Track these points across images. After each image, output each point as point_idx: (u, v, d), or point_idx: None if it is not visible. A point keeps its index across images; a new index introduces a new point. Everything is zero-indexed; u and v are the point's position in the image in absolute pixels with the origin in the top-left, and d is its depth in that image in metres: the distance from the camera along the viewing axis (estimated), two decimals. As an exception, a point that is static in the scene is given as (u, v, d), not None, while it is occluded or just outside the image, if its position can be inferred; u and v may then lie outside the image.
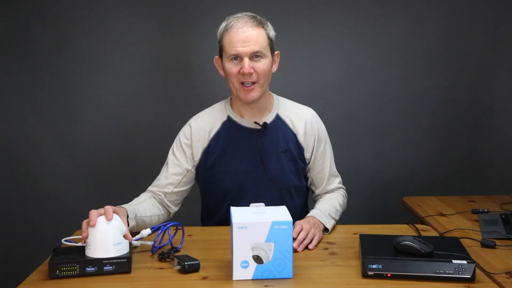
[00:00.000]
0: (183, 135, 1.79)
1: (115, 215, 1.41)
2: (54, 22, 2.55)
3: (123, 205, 1.60)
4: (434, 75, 2.67)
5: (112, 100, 2.63)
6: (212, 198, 1.83)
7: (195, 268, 1.35)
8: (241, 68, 1.63)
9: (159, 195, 1.76)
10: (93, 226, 1.35)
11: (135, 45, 2.59)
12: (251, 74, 1.64)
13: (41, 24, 2.55)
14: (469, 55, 2.65)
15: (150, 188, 1.79)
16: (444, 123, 2.71)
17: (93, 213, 1.39)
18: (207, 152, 1.77)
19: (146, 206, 1.68)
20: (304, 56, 2.60)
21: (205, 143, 1.77)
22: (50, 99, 2.61)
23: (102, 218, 1.37)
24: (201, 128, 1.77)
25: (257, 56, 1.64)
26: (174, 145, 1.81)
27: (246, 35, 1.62)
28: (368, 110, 2.69)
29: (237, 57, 1.64)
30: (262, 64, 1.65)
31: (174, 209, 1.79)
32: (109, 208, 1.41)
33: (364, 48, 2.64)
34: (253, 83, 1.66)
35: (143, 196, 1.75)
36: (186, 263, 1.34)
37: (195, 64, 2.62)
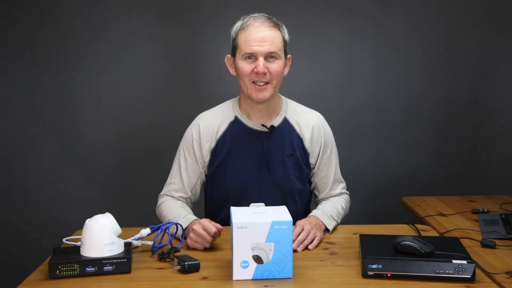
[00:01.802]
0: (191, 137, 1.76)
1: (108, 215, 1.41)
2: (54, 22, 2.55)
3: (183, 215, 1.63)
4: (434, 75, 2.67)
5: (112, 100, 2.62)
6: (215, 198, 1.82)
7: (195, 268, 1.35)
8: (255, 67, 1.62)
9: (181, 200, 1.76)
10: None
11: (136, 45, 2.59)
12: (264, 74, 1.63)
13: (41, 24, 2.54)
14: (469, 55, 2.65)
15: (168, 193, 1.77)
16: (444, 123, 2.71)
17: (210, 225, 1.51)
18: (214, 152, 1.75)
19: (188, 209, 1.72)
20: (304, 56, 2.59)
21: (212, 144, 1.75)
22: (50, 99, 2.60)
23: (96, 217, 1.38)
24: (208, 128, 1.76)
25: (272, 57, 1.63)
26: (184, 147, 1.78)
27: (262, 34, 1.61)
28: (368, 110, 2.69)
29: (252, 56, 1.63)
30: (276, 65, 1.64)
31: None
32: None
33: (364, 48, 2.64)
34: (266, 83, 1.65)
35: (179, 202, 1.73)
36: (186, 263, 1.34)
37: (197, 64, 2.62)
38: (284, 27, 1.70)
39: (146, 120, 2.64)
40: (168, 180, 1.79)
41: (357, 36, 2.63)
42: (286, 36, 1.70)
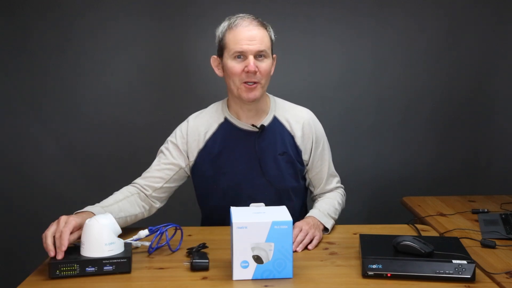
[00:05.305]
0: (179, 133, 1.77)
1: (108, 215, 1.40)
2: (54, 22, 2.55)
3: (96, 205, 1.55)
4: (434, 75, 2.67)
5: (112, 100, 2.63)
6: (209, 200, 1.81)
7: (202, 267, 1.35)
8: (246, 66, 1.61)
9: (146, 189, 1.71)
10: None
11: (135, 45, 2.59)
12: (255, 72, 1.62)
13: (41, 24, 2.54)
14: (469, 55, 2.65)
15: (138, 180, 1.74)
16: (444, 123, 2.71)
17: (49, 239, 1.35)
18: (203, 153, 1.75)
19: (123, 205, 1.62)
20: (304, 56, 2.59)
21: (200, 144, 1.75)
22: (49, 99, 2.60)
23: (96, 217, 1.37)
24: (197, 128, 1.75)
25: (261, 56, 1.63)
26: (169, 141, 1.78)
27: (252, 33, 1.61)
28: (368, 110, 2.69)
29: (241, 55, 1.63)
30: (265, 64, 1.64)
31: (158, 205, 1.74)
32: (66, 229, 1.35)
33: (364, 48, 2.64)
34: (255, 82, 1.64)
35: (124, 192, 1.68)
36: (194, 261, 1.35)
37: (194, 64, 2.62)
38: (270, 27, 1.70)
39: (146, 120, 2.64)
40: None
41: (356, 36, 2.63)
42: (273, 36, 1.70)
